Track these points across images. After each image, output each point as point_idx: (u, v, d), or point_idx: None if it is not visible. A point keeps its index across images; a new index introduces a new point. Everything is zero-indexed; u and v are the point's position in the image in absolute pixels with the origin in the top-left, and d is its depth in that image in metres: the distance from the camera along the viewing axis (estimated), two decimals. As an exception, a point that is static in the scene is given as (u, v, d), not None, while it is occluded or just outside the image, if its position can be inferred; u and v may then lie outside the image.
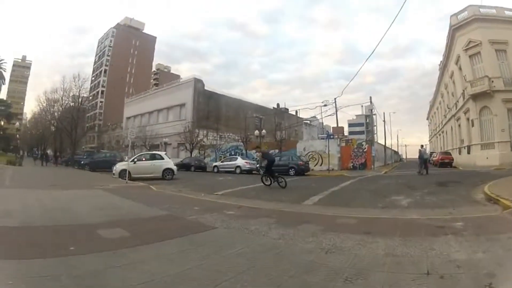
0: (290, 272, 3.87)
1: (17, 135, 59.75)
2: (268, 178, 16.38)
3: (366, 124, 46.48)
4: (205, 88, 54.78)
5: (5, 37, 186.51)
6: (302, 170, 27.55)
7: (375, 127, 46.60)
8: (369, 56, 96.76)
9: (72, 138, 46.12)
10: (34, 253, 4.59)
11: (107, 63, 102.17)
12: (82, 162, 36.62)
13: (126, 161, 21.46)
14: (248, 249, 4.93)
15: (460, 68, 39.07)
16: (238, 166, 31.28)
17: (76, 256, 4.47)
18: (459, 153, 41.43)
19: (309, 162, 32.29)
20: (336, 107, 39.35)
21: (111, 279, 3.72)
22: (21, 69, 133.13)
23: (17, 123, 65.33)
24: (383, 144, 52.28)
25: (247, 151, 38.34)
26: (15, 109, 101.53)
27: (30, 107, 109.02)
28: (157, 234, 5.95)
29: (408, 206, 9.45)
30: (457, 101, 42.21)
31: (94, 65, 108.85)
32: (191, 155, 42.59)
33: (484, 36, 34.24)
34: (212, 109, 53.51)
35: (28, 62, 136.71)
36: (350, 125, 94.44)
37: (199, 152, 44.80)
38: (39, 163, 44.90)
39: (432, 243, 4.93)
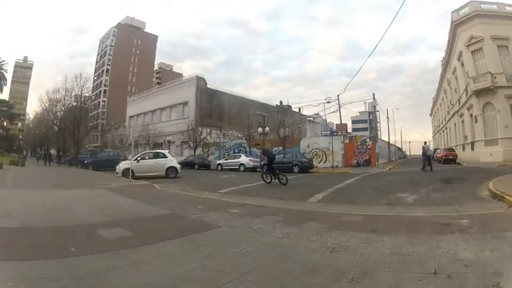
0: (294, 272, 3.80)
1: (20, 136, 59.84)
2: (268, 176, 16.34)
3: (369, 120, 46.29)
4: (208, 86, 54.86)
5: (6, 38, 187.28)
6: (306, 167, 27.40)
7: (378, 124, 46.45)
8: (371, 53, 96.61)
9: (75, 137, 46.25)
10: (35, 254, 4.54)
11: (109, 63, 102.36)
12: (86, 162, 36.64)
13: (130, 160, 21.41)
14: (252, 249, 4.86)
15: (462, 64, 39.04)
16: (242, 164, 31.22)
17: (77, 257, 4.41)
18: (463, 149, 41.36)
19: (313, 159, 32.12)
20: (339, 103, 39.27)
21: (112, 280, 3.66)
22: (23, 69, 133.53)
23: (20, 124, 65.57)
24: (387, 140, 52.14)
25: (251, 148, 38.24)
26: (18, 109, 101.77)
27: (33, 108, 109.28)
28: (159, 233, 5.89)
29: (413, 203, 9.38)
30: (460, 97, 42.14)
31: (96, 64, 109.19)
32: (194, 153, 42.60)
33: (485, 32, 34.21)
34: (215, 107, 53.49)
35: (29, 62, 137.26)
36: (353, 121, 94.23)
37: (203, 150, 44.77)
38: (42, 163, 44.90)
39: (439, 241, 4.86)
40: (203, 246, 5.02)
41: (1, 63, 74.77)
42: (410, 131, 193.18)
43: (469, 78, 35.60)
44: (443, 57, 52.75)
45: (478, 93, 34.41)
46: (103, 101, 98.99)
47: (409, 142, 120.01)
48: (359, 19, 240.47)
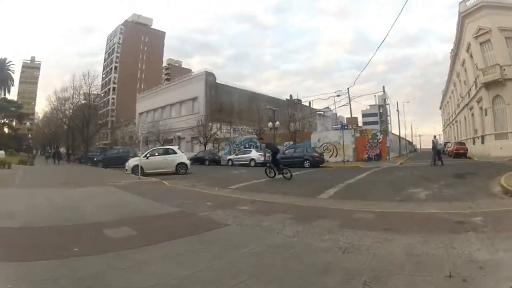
0: (305, 275, 3.65)
1: (29, 135, 60.48)
2: (272, 170, 16.30)
3: (379, 114, 45.88)
4: (217, 81, 54.75)
5: (13, 40, 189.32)
6: (317, 162, 27.21)
7: (388, 117, 45.98)
8: (380, 45, 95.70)
9: (84, 135, 46.61)
10: (36, 254, 4.50)
11: (117, 60, 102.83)
12: (95, 159, 36.98)
13: (139, 156, 21.38)
14: (261, 249, 4.70)
15: (471, 56, 38.28)
16: (253, 159, 31.13)
17: (79, 258, 4.34)
18: (473, 143, 40.76)
19: (324, 154, 31.86)
20: (349, 97, 38.90)
21: (114, 282, 3.57)
22: (31, 70, 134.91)
23: (28, 123, 66.28)
24: (397, 134, 51.69)
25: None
26: (26, 109, 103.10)
27: (41, 107, 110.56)
28: (166, 232, 5.77)
29: (426, 199, 9.22)
30: (470, 90, 41.49)
31: (104, 62, 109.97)
32: (205, 148, 42.67)
33: (493, 23, 33.56)
34: (224, 102, 53.41)
35: (37, 62, 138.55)
36: (363, 115, 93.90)
37: (213, 146, 44.75)
38: (51, 162, 45.32)
39: (453, 240, 4.70)
40: (210, 246, 4.89)
41: (8, 64, 75.94)
42: (420, 124, 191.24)
43: (478, 70, 34.92)
44: (452, 49, 52.02)
45: (487, 85, 33.74)
46: (113, 98, 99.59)
47: (420, 135, 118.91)
48: (367, 11, 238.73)
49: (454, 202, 8.27)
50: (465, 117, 47.28)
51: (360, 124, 75.78)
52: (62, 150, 58.98)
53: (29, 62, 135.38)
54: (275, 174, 16.18)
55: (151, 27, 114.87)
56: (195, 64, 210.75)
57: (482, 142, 36.91)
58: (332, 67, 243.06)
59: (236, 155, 35.51)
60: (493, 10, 34.01)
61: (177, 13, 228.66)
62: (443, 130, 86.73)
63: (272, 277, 3.62)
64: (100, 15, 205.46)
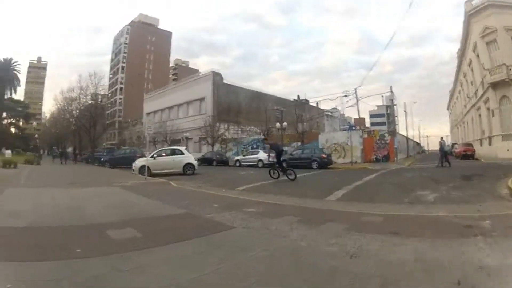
0: (312, 279, 3.56)
1: (36, 135, 60.95)
2: (275, 171, 16.33)
3: (387, 114, 45.67)
4: (224, 81, 54.74)
5: (19, 40, 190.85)
6: (325, 163, 27.18)
7: (396, 118, 45.78)
8: (387, 45, 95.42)
9: (91, 135, 46.83)
10: (39, 255, 4.48)
11: (124, 60, 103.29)
12: (102, 159, 37.14)
13: (146, 157, 21.39)
14: (267, 253, 4.60)
15: (478, 56, 37.92)
16: (260, 160, 30.98)
17: (81, 259, 4.30)
18: (481, 144, 40.36)
19: (332, 155, 31.74)
20: (357, 97, 38.76)
21: (116, 284, 3.53)
22: (37, 70, 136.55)
23: (34, 123, 66.79)
24: (405, 135, 51.45)
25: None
26: (33, 109, 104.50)
27: (48, 107, 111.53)
28: (171, 234, 5.70)
29: (434, 201, 9.14)
30: (477, 90, 41.06)
31: (111, 62, 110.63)
32: (212, 149, 42.71)
33: (499, 22, 33.24)
34: (232, 102, 53.40)
35: (43, 63, 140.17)
36: (371, 116, 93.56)
37: (221, 146, 44.74)
38: (58, 162, 45.55)
39: (462, 245, 4.65)
40: (217, 249, 4.81)
41: (14, 64, 76.64)
42: (428, 125, 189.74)
43: (485, 70, 34.59)
44: (458, 49, 51.67)
45: (494, 85, 33.36)
46: (120, 98, 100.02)
47: (427, 136, 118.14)
48: (375, 10, 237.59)
49: (462, 204, 8.24)
50: (472, 118, 46.91)
51: (367, 125, 75.47)
52: (69, 150, 59.23)
53: (35, 62, 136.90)
54: (279, 175, 16.18)
55: (158, 27, 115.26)
56: (203, 64, 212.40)
57: (489, 144, 36.61)
58: (339, 67, 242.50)
59: (243, 156, 35.46)
60: (499, 9, 33.72)
61: (184, 13, 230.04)
62: (450, 131, 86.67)
63: (279, 281, 3.55)
64: (107, 15, 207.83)
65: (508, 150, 30.80)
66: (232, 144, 45.22)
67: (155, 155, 21.92)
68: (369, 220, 6.66)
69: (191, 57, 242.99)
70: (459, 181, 14.06)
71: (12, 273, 3.81)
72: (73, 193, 11.68)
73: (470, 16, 37.23)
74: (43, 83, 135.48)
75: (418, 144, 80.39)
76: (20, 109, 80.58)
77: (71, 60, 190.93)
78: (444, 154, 23.99)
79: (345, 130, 39.38)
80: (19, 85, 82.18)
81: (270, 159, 17.10)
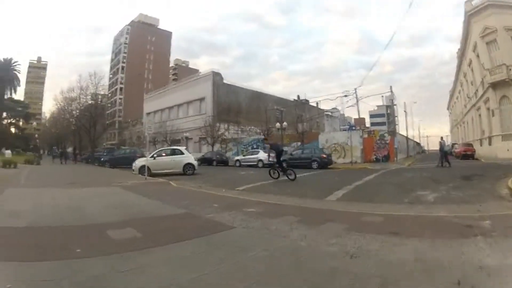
0: (312, 279, 3.57)
1: (36, 135, 60.95)
2: (275, 171, 16.40)
3: (387, 114, 45.75)
4: (224, 81, 54.74)
5: (19, 40, 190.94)
6: (325, 163, 27.23)
7: (396, 118, 45.80)
8: (387, 45, 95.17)
9: (91, 135, 46.83)
10: (38, 255, 4.48)
11: (124, 60, 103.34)
12: (102, 159, 37.13)
13: (146, 157, 21.41)
14: (267, 253, 4.60)
15: (478, 56, 37.95)
16: (260, 160, 30.96)
17: (81, 259, 4.31)
18: (481, 144, 40.41)
19: (332, 155, 31.77)
20: (357, 97, 38.77)
21: (115, 284, 3.53)
22: (37, 70, 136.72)
23: (34, 123, 66.81)
24: (405, 135, 51.48)
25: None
26: (33, 109, 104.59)
27: (48, 107, 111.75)
28: (170, 234, 5.70)
29: (435, 201, 9.15)
30: (477, 90, 41.10)
31: (111, 62, 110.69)
32: (212, 149, 42.71)
33: (499, 22, 33.27)
34: (232, 102, 53.41)
35: (43, 63, 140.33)
36: (371, 116, 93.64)
37: (221, 146, 44.74)
38: (58, 162, 45.59)
39: (462, 245, 4.66)
40: (217, 249, 4.81)
41: (14, 64, 76.69)
42: (428, 125, 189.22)
43: (485, 70, 34.62)
44: (458, 49, 51.67)
45: (494, 85, 33.38)
46: (120, 98, 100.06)
47: (427, 136, 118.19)
48: (374, 10, 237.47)
49: (462, 204, 8.26)
50: (472, 118, 46.95)
51: (367, 125, 75.57)
52: (69, 150, 59.25)
53: (35, 62, 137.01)
54: (278, 175, 16.24)
55: (158, 27, 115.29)
56: (203, 64, 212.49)
57: (489, 143, 36.67)
58: (339, 67, 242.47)
59: (243, 156, 35.47)
60: (499, 9, 33.74)
61: (184, 13, 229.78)
62: (450, 131, 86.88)
63: (279, 281, 3.55)
64: (107, 16, 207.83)
65: (508, 150, 30.81)
66: (232, 144, 45.24)
67: (155, 155, 21.94)
68: (369, 220, 6.66)
69: (191, 57, 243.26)
70: (459, 181, 14.07)
71: (12, 273, 3.81)
72: (73, 193, 11.67)
73: (470, 16, 37.25)
74: (43, 83, 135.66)
75: (418, 144, 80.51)
76: (20, 109, 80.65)
77: (72, 60, 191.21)
78: (444, 154, 24.03)
79: (345, 130, 39.42)
80: (19, 85, 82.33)
81: (270, 159, 17.13)
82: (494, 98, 34.10)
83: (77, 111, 49.45)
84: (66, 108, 50.79)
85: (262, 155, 31.48)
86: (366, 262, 4.10)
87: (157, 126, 44.66)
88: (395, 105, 45.05)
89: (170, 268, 3.99)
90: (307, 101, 59.62)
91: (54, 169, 30.04)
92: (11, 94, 78.46)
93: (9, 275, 3.76)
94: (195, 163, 22.76)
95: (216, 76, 53.71)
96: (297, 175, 15.90)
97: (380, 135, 35.68)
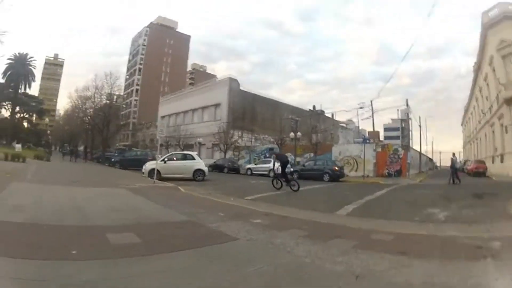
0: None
1: (48, 131, 61.48)
2: (278, 181, 16.43)
3: (401, 128, 45.41)
4: (241, 88, 54.81)
5: (38, 36, 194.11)
6: (337, 176, 26.92)
7: (410, 132, 45.41)
8: (404, 57, 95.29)
9: (104, 135, 47.11)
10: (31, 253, 4.44)
11: (141, 62, 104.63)
12: (113, 160, 37.33)
13: (157, 160, 21.43)
14: (269, 268, 4.41)
15: (493, 70, 37.38)
16: (272, 169, 30.77)
17: (74, 261, 4.25)
18: (493, 161, 39.70)
19: (344, 167, 31.47)
20: (372, 109, 38.48)
21: None
22: (53, 67, 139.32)
23: (47, 119, 67.46)
24: (418, 150, 50.96)
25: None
26: (48, 105, 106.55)
27: (63, 104, 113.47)
28: (170, 242, 5.57)
29: (445, 220, 8.96)
30: (491, 106, 40.42)
31: (128, 63, 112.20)
32: (225, 156, 42.68)
33: None
34: (247, 109, 53.51)
35: (60, 60, 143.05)
36: (385, 129, 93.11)
37: (233, 154, 44.68)
38: (68, 159, 46.16)
39: (471, 268, 4.48)
40: (215, 261, 4.65)
41: (29, 60, 77.68)
42: (441, 140, 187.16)
43: (500, 84, 34.03)
44: (475, 62, 51.11)
45: (509, 101, 32.75)
46: (135, 100, 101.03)
47: (440, 152, 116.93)
48: (393, 20, 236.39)
49: (474, 224, 8.02)
50: (485, 134, 46.25)
51: (381, 138, 75.20)
52: (81, 148, 59.71)
53: (52, 59, 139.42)
54: (281, 185, 16.24)
55: (177, 30, 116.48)
56: (221, 69, 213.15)
57: (502, 161, 36.03)
58: (357, 78, 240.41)
59: (255, 164, 35.39)
60: (515, 22, 33.22)
61: (203, 17, 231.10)
62: (463, 147, 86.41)
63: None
64: (126, 16, 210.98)
65: (519, 168, 30.23)
66: (245, 152, 45.16)
67: (166, 159, 22.00)
68: (378, 238, 6.44)
69: (209, 62, 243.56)
70: (470, 199, 13.92)
71: (1, 269, 3.78)
72: (77, 192, 11.66)
73: (487, 29, 36.84)
74: (59, 80, 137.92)
75: (430, 160, 79.65)
76: (34, 104, 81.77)
77: (90, 60, 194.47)
78: (455, 171, 23.66)
79: (358, 142, 39.08)
80: (34, 81, 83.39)
81: (275, 169, 17.06)
82: (508, 114, 33.51)
83: (91, 110, 49.93)
84: (80, 106, 51.35)
85: (277, 164, 31.35)
86: (372, 284, 3.95)
87: (170, 130, 44.89)
88: (410, 119, 44.69)
89: (163, 280, 3.84)
90: (322, 111, 59.47)
91: (63, 167, 30.38)
92: (25, 89, 79.64)
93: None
94: (205, 169, 22.70)
95: (232, 82, 53.89)
96: (307, 187, 15.80)
97: (393, 149, 35.25)
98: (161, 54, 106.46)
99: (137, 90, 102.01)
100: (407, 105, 43.44)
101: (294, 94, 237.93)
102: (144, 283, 3.66)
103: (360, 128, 69.18)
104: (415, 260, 4.87)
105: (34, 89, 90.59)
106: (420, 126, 54.49)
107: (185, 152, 28.86)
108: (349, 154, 35.60)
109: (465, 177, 28.72)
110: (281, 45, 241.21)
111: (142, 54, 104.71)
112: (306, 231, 6.81)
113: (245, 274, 4.12)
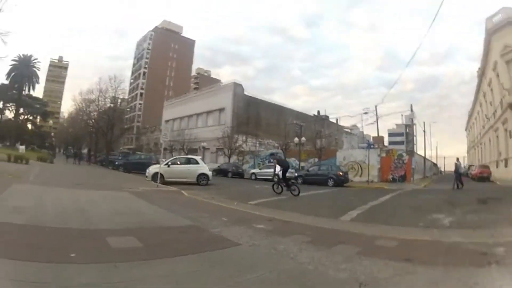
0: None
1: (52, 133, 61.59)
2: (279, 186, 16.53)
3: (406, 134, 45.52)
4: (245, 93, 55.05)
5: (43, 38, 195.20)
6: (341, 181, 26.89)
7: (415, 138, 45.34)
8: (409, 63, 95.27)
9: (108, 138, 47.21)
10: (30, 255, 4.42)
11: (146, 66, 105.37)
12: (117, 163, 37.30)
13: (161, 164, 21.43)
14: (271, 275, 4.36)
15: (497, 75, 37.37)
16: (277, 174, 30.71)
17: (74, 265, 4.22)
18: (497, 166, 39.56)
19: (349, 173, 31.44)
20: (376, 115, 38.42)
21: None
22: (58, 69, 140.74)
23: (50, 121, 67.65)
24: (423, 155, 50.82)
25: (286, 158, 37.87)
26: (52, 108, 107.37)
27: (67, 107, 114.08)
28: (172, 247, 5.52)
29: (450, 225, 8.86)
30: (495, 111, 40.37)
31: (133, 67, 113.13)
32: (229, 160, 42.81)
33: None
34: (252, 114, 53.66)
35: (65, 62, 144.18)
36: (390, 134, 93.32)
37: (238, 158, 44.75)
38: (71, 161, 46.32)
39: (475, 275, 4.39)
40: (216, 267, 4.60)
41: (33, 61, 77.95)
42: (445, 145, 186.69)
43: (504, 90, 33.98)
44: (479, 68, 51.13)
45: None
46: (139, 104, 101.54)
47: (444, 157, 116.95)
48: (398, 26, 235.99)
49: (478, 230, 7.92)
50: (490, 139, 46.15)
51: (386, 143, 75.11)
52: (85, 151, 59.83)
53: (56, 61, 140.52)
54: (282, 190, 16.32)
55: (182, 35, 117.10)
56: (225, 74, 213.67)
57: (506, 166, 35.90)
58: (360, 84, 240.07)
59: (259, 169, 35.32)
60: (519, 27, 33.21)
61: (208, 23, 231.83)
62: (467, 152, 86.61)
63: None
64: (131, 20, 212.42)
65: (523, 173, 30.08)
66: (249, 157, 45.26)
67: (169, 163, 22.00)
68: (382, 244, 6.36)
69: (213, 67, 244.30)
70: (475, 204, 13.84)
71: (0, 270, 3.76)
72: (80, 194, 11.63)
73: (491, 34, 36.87)
74: (63, 82, 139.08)
75: (435, 165, 79.48)
76: (38, 106, 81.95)
77: (95, 63, 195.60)
78: (459, 175, 23.59)
79: (363, 148, 39.03)
80: (38, 82, 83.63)
81: (276, 174, 17.06)
82: (512, 119, 33.55)
83: (95, 113, 50.12)
84: (84, 109, 51.47)
85: (278, 169, 31.30)
86: (376, 292, 3.86)
87: (175, 134, 44.95)
88: (414, 124, 44.63)
89: (165, 284, 3.81)
90: (327, 117, 59.48)
91: (66, 169, 30.47)
92: (29, 91, 79.78)
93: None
94: (209, 173, 22.68)
95: (237, 87, 54.08)
96: (311, 192, 15.74)
97: (398, 154, 35.25)
98: (166, 58, 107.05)
99: (141, 94, 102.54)
100: (412, 110, 43.49)
101: (298, 100, 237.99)
102: (144, 287, 3.62)
103: (365, 133, 69.24)
104: (419, 266, 4.82)
105: (38, 91, 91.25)
106: (424, 131, 54.54)
107: (189, 156, 28.78)
108: (354, 159, 35.58)
109: (469, 182, 28.69)
110: (285, 51, 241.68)
111: (147, 58, 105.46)
112: (309, 237, 6.74)
113: (245, 281, 4.06)
